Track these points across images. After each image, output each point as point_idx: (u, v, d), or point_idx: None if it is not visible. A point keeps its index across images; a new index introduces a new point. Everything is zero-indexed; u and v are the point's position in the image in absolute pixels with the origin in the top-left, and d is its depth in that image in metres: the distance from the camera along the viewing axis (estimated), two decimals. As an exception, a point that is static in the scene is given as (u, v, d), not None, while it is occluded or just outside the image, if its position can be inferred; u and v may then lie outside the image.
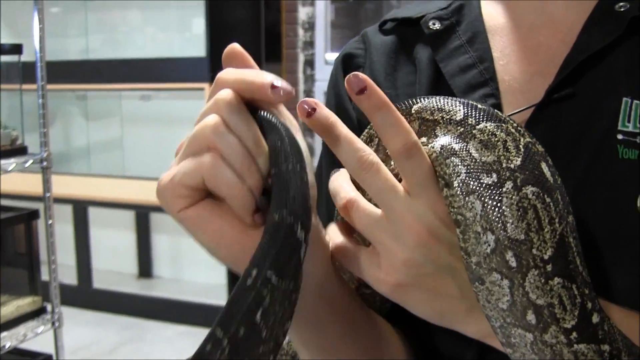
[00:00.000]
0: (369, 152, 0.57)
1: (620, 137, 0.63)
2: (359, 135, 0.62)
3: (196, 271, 4.73)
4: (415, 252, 0.56)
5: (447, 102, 0.59)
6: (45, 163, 2.61)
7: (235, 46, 0.56)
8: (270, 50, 4.57)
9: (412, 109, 0.60)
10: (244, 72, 0.53)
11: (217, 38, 3.97)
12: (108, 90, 4.39)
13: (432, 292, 0.58)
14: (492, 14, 0.76)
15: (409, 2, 0.86)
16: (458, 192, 0.54)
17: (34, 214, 2.76)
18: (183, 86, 4.09)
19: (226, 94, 0.52)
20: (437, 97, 0.60)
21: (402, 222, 0.56)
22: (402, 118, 0.56)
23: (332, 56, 4.13)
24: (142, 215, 4.76)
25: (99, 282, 4.58)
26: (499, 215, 0.52)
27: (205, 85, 3.94)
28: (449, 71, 0.73)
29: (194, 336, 4.09)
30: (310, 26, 4.48)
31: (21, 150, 2.72)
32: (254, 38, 4.46)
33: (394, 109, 0.56)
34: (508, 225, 0.51)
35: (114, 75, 4.22)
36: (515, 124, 0.56)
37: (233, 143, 0.51)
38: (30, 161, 2.61)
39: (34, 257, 2.76)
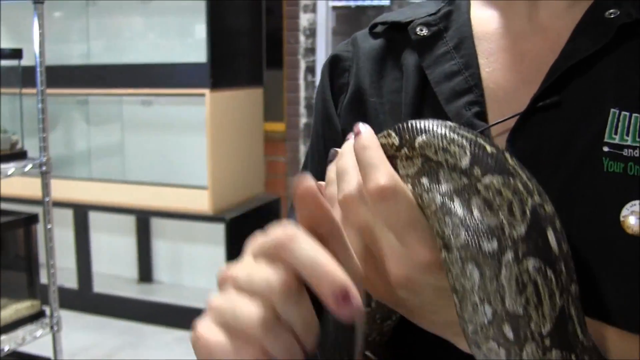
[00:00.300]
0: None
1: (606, 149, 0.62)
2: (341, 142, 0.61)
3: (197, 276, 4.73)
4: (395, 290, 0.55)
5: (453, 141, 0.53)
6: (44, 167, 2.62)
7: (309, 186, 0.47)
8: (271, 57, 4.59)
9: (416, 141, 0.55)
10: (316, 260, 0.45)
11: (218, 44, 3.98)
12: (109, 95, 4.40)
13: (417, 314, 0.57)
14: (482, 20, 0.75)
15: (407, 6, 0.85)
16: (457, 258, 0.51)
17: (33, 218, 2.78)
18: (184, 92, 4.10)
19: (285, 280, 0.45)
20: (443, 129, 0.54)
21: (382, 261, 0.55)
22: (384, 159, 0.55)
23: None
24: (143, 220, 4.77)
25: (99, 286, 4.58)
26: (497, 287, 0.49)
27: (206, 91, 3.95)
28: (434, 78, 0.72)
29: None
30: (312, 33, 4.49)
31: (21, 155, 2.74)
32: (255, 44, 4.48)
33: (376, 149, 0.56)
34: (506, 299, 0.49)
35: (115, 80, 4.24)
36: (524, 178, 0.51)
37: (281, 341, 0.45)
38: (30, 165, 2.62)
39: (33, 261, 2.78)
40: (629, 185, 0.60)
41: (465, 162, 0.52)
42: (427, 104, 0.72)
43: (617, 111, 0.62)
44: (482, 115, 0.68)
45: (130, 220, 4.79)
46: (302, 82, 4.60)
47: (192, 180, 4.21)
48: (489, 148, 0.52)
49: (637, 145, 0.61)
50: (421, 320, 0.58)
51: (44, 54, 2.58)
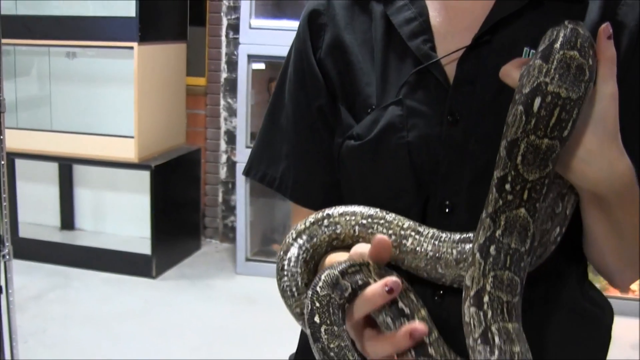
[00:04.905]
0: None
1: None
2: (323, 88, 0.99)
3: (118, 224, 4.87)
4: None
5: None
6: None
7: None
8: (195, 14, 4.74)
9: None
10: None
11: (145, -1, 4.12)
12: (34, 45, 4.46)
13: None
14: None
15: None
16: None
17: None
18: (112, 44, 4.21)
19: None
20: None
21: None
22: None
23: (257, 22, 4.31)
24: (66, 167, 4.86)
25: (24, 233, 4.61)
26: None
27: (134, 45, 4.10)
28: (397, 22, 0.95)
29: (118, 283, 4.25)
30: (235, -9, 4.66)
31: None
32: (179, 1, 4.63)
33: None
34: None
35: (41, 31, 4.30)
36: None
37: None
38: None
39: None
40: None
41: None
42: (392, 41, 0.98)
43: (528, 49, 0.89)
44: (433, 50, 0.93)
45: (53, 168, 4.87)
46: (223, 39, 4.80)
47: (117, 130, 4.34)
48: None
49: None
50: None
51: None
